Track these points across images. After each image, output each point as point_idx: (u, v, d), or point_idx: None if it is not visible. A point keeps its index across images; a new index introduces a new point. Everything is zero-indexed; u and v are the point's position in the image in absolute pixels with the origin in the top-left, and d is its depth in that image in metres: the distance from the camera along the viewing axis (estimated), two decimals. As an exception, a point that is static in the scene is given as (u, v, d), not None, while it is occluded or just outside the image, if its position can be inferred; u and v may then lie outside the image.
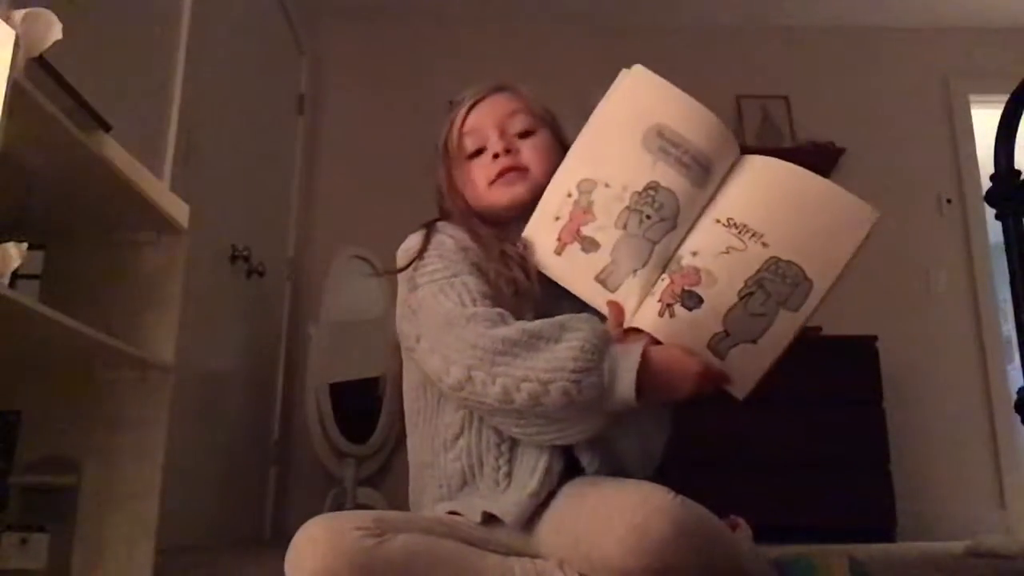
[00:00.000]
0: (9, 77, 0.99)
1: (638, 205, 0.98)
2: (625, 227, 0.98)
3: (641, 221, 0.98)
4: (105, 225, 1.52)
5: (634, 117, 1.00)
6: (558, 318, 0.94)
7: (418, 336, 0.99)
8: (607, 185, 0.99)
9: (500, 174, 1.07)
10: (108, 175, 1.32)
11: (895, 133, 3.68)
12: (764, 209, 0.97)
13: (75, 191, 1.37)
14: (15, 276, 1.18)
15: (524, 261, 1.03)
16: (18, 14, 1.06)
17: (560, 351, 0.89)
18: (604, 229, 0.99)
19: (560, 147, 1.10)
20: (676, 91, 0.99)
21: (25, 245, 1.12)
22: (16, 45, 1.02)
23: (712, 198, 0.99)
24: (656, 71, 0.97)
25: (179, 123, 2.18)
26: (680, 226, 0.98)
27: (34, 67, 1.11)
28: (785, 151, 3.56)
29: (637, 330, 0.97)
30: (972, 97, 3.71)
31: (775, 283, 0.96)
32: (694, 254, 0.97)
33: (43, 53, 1.11)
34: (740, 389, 0.99)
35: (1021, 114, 1.60)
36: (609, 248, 0.99)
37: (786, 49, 3.77)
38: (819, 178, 1.00)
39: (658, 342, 0.96)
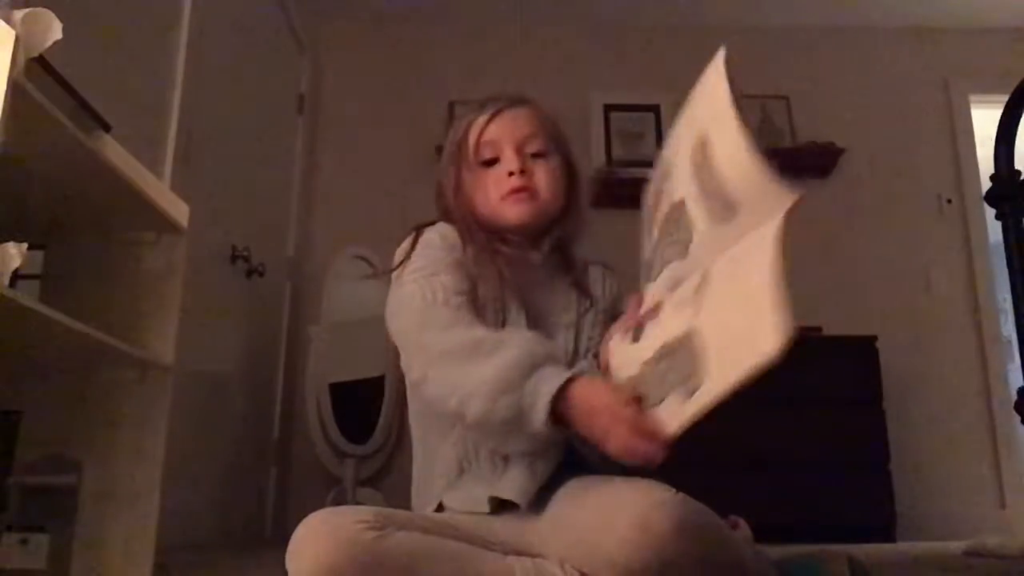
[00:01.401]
0: (9, 77, 1.00)
1: (669, 217, 0.92)
2: (653, 236, 0.96)
3: (664, 235, 0.93)
4: (105, 225, 1.52)
5: (697, 114, 0.90)
6: (505, 331, 0.98)
7: (397, 331, 1.03)
8: (668, 181, 0.94)
9: (513, 192, 1.08)
10: (108, 175, 1.32)
11: (895, 133, 3.68)
12: (723, 281, 0.82)
13: (75, 191, 1.37)
14: (15, 276, 1.17)
15: (508, 261, 1.06)
16: (18, 14, 1.06)
17: (487, 366, 0.90)
18: (648, 230, 0.98)
19: (569, 171, 1.13)
20: (732, 110, 0.82)
21: (25, 245, 1.12)
22: (16, 45, 1.02)
23: (726, 245, 0.83)
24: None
25: (179, 123, 2.18)
26: (690, 256, 0.87)
27: (34, 67, 1.11)
28: (785, 151, 3.56)
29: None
30: (972, 97, 3.71)
31: (676, 361, 0.82)
32: (671, 288, 0.90)
33: (43, 53, 1.11)
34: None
35: (1021, 114, 1.61)
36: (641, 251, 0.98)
37: (786, 49, 3.77)
38: (775, 279, 0.78)
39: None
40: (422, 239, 1.08)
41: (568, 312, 1.11)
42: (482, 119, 1.11)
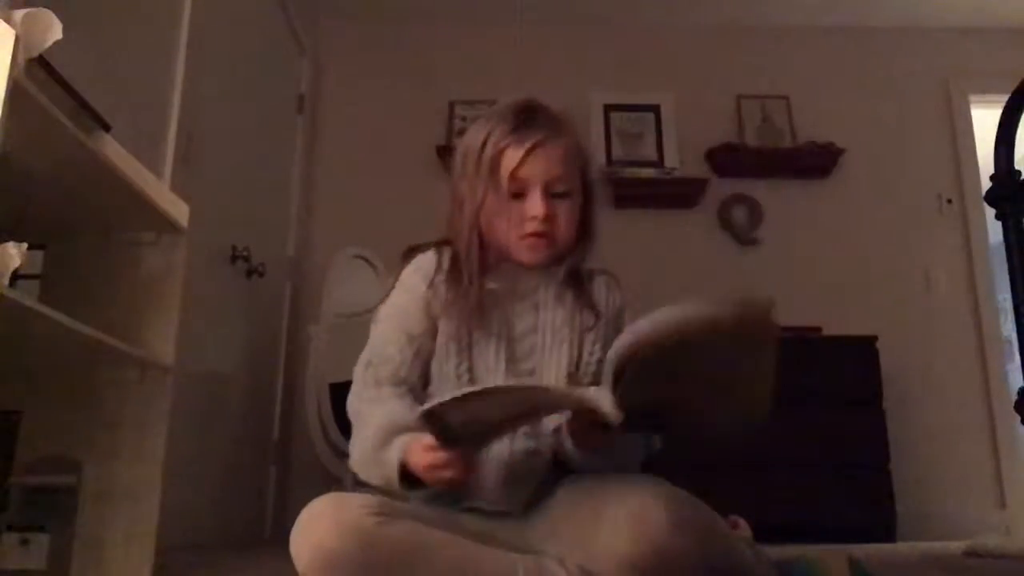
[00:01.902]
0: (9, 77, 1.00)
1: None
2: None
3: None
4: (105, 225, 1.52)
5: None
6: (380, 406, 1.01)
7: None
8: None
9: (532, 235, 1.08)
10: (108, 175, 1.32)
11: (895, 133, 3.68)
12: None
13: (75, 191, 1.37)
14: (15, 276, 1.17)
15: (480, 297, 1.06)
16: (18, 14, 1.06)
17: (358, 442, 1.01)
18: None
19: (588, 199, 1.13)
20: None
21: (25, 245, 1.12)
22: (16, 45, 1.02)
23: None
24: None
25: (179, 123, 2.18)
26: None
27: (34, 67, 1.11)
28: (785, 151, 3.57)
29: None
30: (972, 97, 3.71)
31: None
32: None
33: (43, 53, 1.11)
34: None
35: (1021, 114, 1.61)
36: None
37: (786, 49, 3.77)
38: None
39: None
40: (401, 276, 1.11)
41: (572, 328, 1.09)
42: (517, 152, 1.06)
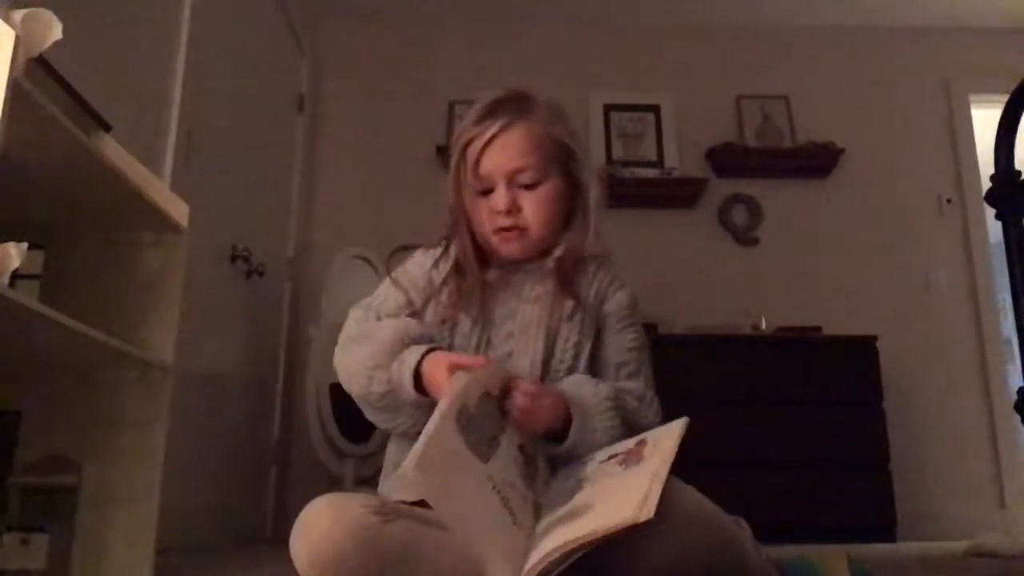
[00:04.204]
0: (9, 77, 1.00)
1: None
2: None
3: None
4: (105, 225, 1.52)
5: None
6: (383, 322, 1.06)
7: None
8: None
9: (502, 230, 1.08)
10: (108, 175, 1.32)
11: (895, 133, 3.68)
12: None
13: (75, 191, 1.37)
14: (15, 276, 1.17)
15: (481, 290, 1.07)
16: (18, 14, 1.07)
17: (366, 348, 1.03)
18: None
19: (569, 187, 1.11)
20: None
21: (25, 245, 1.12)
22: (16, 45, 1.02)
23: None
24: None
25: (179, 123, 2.18)
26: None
27: (34, 67, 1.11)
28: (785, 151, 3.57)
29: None
30: (972, 97, 3.72)
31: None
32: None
33: (43, 53, 1.11)
34: None
35: (1021, 114, 1.60)
36: None
37: (786, 49, 3.77)
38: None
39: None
40: (415, 254, 1.15)
41: (550, 317, 1.08)
42: (478, 145, 1.07)
